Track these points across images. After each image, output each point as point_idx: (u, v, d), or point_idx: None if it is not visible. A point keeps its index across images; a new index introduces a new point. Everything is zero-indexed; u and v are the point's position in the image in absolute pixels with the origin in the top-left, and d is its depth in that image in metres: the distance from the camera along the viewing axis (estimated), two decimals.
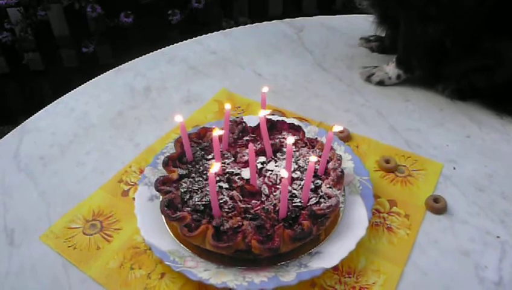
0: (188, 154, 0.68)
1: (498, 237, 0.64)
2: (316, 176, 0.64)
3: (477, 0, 0.82)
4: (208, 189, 0.62)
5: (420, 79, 0.96)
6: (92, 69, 2.61)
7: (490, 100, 0.91)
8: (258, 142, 0.70)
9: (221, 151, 0.68)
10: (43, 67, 2.60)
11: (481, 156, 0.79)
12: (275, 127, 0.73)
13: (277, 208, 0.59)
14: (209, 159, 0.68)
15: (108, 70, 2.76)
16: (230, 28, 2.39)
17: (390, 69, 0.94)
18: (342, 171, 0.63)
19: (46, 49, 2.54)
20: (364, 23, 1.08)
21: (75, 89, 1.01)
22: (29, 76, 2.59)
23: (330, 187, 0.62)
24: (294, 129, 0.73)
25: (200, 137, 0.72)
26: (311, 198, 0.61)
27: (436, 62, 0.90)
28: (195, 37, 2.36)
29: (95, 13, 2.28)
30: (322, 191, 0.62)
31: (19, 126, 0.91)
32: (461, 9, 0.83)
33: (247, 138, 0.71)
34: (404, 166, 0.75)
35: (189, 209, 0.60)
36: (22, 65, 2.51)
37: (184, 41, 1.17)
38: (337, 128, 0.66)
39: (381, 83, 0.95)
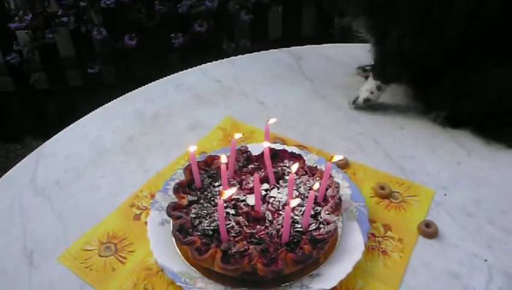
0: (196, 182, 0.73)
1: (485, 260, 0.69)
2: (315, 202, 0.69)
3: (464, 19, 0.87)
4: (216, 215, 0.67)
5: (414, 107, 1.02)
6: (96, 89, 2.68)
7: (479, 128, 0.96)
8: (262, 170, 0.76)
9: (227, 178, 0.73)
10: (49, 86, 2.66)
11: (470, 183, 0.84)
12: (277, 155, 0.78)
13: (280, 233, 0.64)
14: (217, 186, 0.73)
15: (112, 90, 2.83)
16: (231, 50, 2.47)
17: (368, 83, 1.00)
18: (340, 199, 0.68)
19: (52, 69, 2.60)
20: (361, 53, 1.14)
21: (87, 115, 1.07)
22: (34, 95, 2.65)
23: (329, 213, 0.67)
24: (295, 158, 0.78)
25: (208, 165, 0.77)
26: (311, 224, 0.66)
27: (422, 85, 0.95)
28: (197, 59, 2.43)
29: (100, 36, 2.34)
30: (321, 217, 0.67)
31: (35, 150, 0.96)
32: (450, 22, 0.88)
33: (252, 166, 0.77)
34: (398, 192, 0.81)
35: (199, 233, 0.65)
36: (28, 84, 2.57)
37: (189, 69, 1.23)
38: (336, 158, 0.72)
39: (367, 101, 1.01)
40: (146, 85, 1.16)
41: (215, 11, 2.30)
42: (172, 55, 2.56)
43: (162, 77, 2.27)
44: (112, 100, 2.41)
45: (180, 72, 1.21)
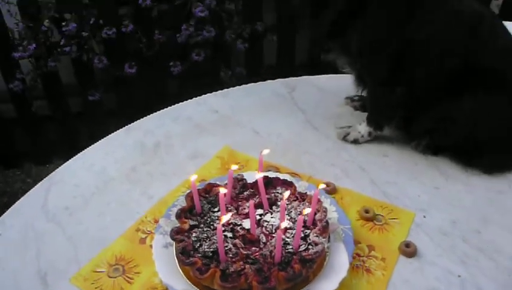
0: (197, 208, 0.80)
1: (459, 276, 0.77)
2: (305, 226, 0.76)
3: (436, 67, 0.97)
4: (215, 238, 0.74)
5: (397, 136, 1.10)
6: (96, 115, 2.76)
7: (457, 155, 1.04)
8: (257, 197, 0.83)
9: (225, 204, 0.80)
10: (50, 112, 2.73)
11: (447, 205, 0.92)
12: (270, 183, 0.86)
13: (273, 254, 0.71)
14: (216, 212, 0.80)
15: (112, 116, 2.90)
16: (227, 77, 2.56)
17: (362, 128, 1.09)
18: (327, 222, 0.76)
19: (53, 96, 2.68)
20: (349, 83, 1.22)
21: (91, 146, 1.14)
22: (36, 121, 2.72)
23: (317, 236, 0.74)
24: (287, 185, 0.86)
25: (207, 192, 0.85)
26: (301, 245, 0.73)
27: (403, 119, 1.04)
28: (195, 86, 2.53)
29: (101, 64, 2.44)
30: (310, 239, 0.74)
31: (45, 179, 1.03)
32: (421, 75, 0.98)
33: (247, 192, 0.84)
34: (382, 215, 0.88)
35: (199, 255, 0.71)
36: (29, 111, 2.64)
37: (188, 100, 1.30)
38: (323, 186, 0.80)
39: (355, 141, 1.09)
40: (147, 116, 1.23)
41: (213, 40, 2.40)
42: (171, 83, 2.65)
43: (161, 104, 2.37)
44: (112, 126, 2.51)
45: (179, 104, 1.29)
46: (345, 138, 1.10)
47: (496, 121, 0.98)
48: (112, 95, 2.69)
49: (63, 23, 2.35)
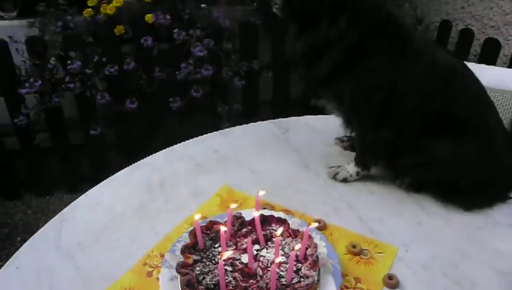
0: (200, 244, 0.89)
1: None
2: (297, 260, 0.85)
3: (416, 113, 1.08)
4: (216, 271, 0.82)
5: (383, 175, 1.20)
6: (97, 148, 2.84)
7: (437, 192, 1.14)
8: (254, 233, 0.92)
9: (225, 241, 0.88)
10: (52, 145, 2.82)
11: (428, 241, 1.01)
12: (266, 220, 0.94)
13: (268, 286, 0.80)
14: (217, 247, 0.89)
15: (112, 149, 2.98)
16: (224, 113, 2.67)
17: (351, 168, 1.18)
18: (317, 257, 0.84)
19: (55, 129, 2.77)
20: (340, 124, 1.33)
21: (101, 183, 1.22)
22: (38, 153, 2.80)
23: (308, 269, 0.82)
24: (281, 222, 0.94)
25: (208, 229, 0.93)
26: (293, 278, 0.82)
27: (387, 159, 1.14)
28: (193, 121, 2.63)
29: (103, 100, 2.54)
30: (302, 273, 0.82)
31: (56, 216, 1.11)
32: (404, 119, 1.08)
33: (245, 229, 0.93)
34: (368, 250, 0.97)
35: (203, 287, 0.79)
36: (32, 143, 2.72)
37: (191, 139, 1.40)
38: (315, 224, 0.89)
39: (345, 180, 1.18)
40: (152, 155, 1.32)
41: (210, 78, 2.52)
42: (170, 118, 2.76)
43: (160, 139, 2.46)
44: (112, 159, 2.61)
45: (182, 143, 1.38)
46: (334, 177, 1.19)
47: (470, 162, 1.08)
48: (113, 129, 2.79)
49: (68, 61, 2.47)
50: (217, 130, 2.68)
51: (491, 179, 1.11)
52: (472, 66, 1.59)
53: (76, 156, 2.87)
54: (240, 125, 2.33)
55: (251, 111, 2.81)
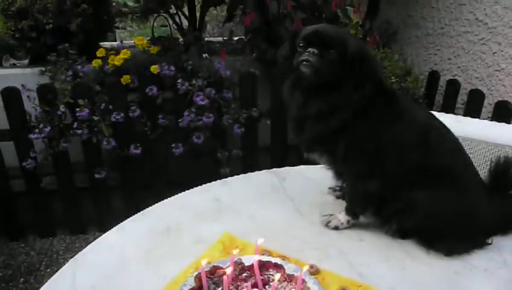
0: (204, 287, 0.98)
1: None
2: None
3: (399, 165, 1.19)
4: None
5: (372, 223, 1.30)
6: (101, 191, 2.94)
7: (421, 239, 1.24)
8: (253, 278, 1.01)
9: (227, 285, 0.98)
10: (57, 187, 2.91)
11: (412, 284, 1.10)
12: (264, 266, 1.04)
13: None
14: None
15: (115, 192, 3.08)
16: (225, 158, 2.78)
17: (342, 216, 1.29)
18: None
19: (61, 172, 2.87)
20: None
21: (111, 230, 1.32)
22: (43, 195, 2.89)
23: None
24: (278, 267, 1.04)
25: (212, 273, 1.03)
26: None
27: (375, 208, 1.25)
28: (194, 166, 2.74)
29: (109, 146, 2.66)
30: None
31: (71, 260, 1.20)
32: (389, 172, 1.20)
33: (245, 274, 1.03)
34: None
35: None
36: (38, 185, 2.82)
37: (194, 188, 1.51)
38: (307, 268, 0.99)
39: (336, 228, 1.29)
40: (158, 203, 1.43)
41: (211, 125, 2.65)
42: (172, 162, 2.87)
43: (163, 182, 2.57)
44: (115, 202, 2.73)
45: (185, 192, 1.48)
46: (327, 225, 1.30)
47: (447, 211, 1.19)
48: (117, 173, 2.89)
49: (77, 109, 2.60)
50: (217, 174, 2.80)
51: (468, 226, 1.21)
52: (457, 117, 1.74)
53: (80, 199, 2.96)
54: (239, 169, 2.46)
55: (250, 157, 2.94)
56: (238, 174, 1.64)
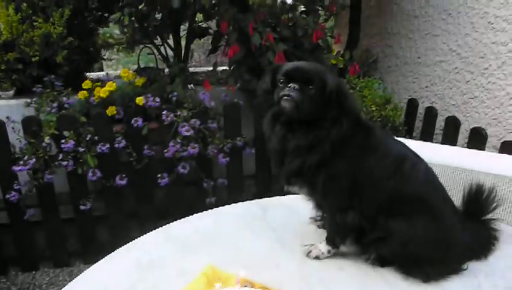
0: None
1: None
2: None
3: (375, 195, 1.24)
4: None
5: (351, 252, 1.34)
6: (86, 222, 2.92)
7: (399, 266, 1.28)
8: None
9: None
10: (41, 219, 2.89)
11: None
12: None
13: None
14: None
15: (101, 222, 3.06)
16: (210, 187, 2.81)
17: (322, 246, 1.33)
18: None
19: (46, 204, 2.85)
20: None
21: (96, 264, 1.33)
22: (26, 227, 2.86)
23: None
24: None
25: None
26: None
27: (354, 237, 1.29)
28: (179, 195, 2.76)
29: (95, 177, 2.67)
30: None
31: None
32: (366, 202, 1.25)
33: None
34: None
35: None
36: (21, 217, 2.79)
37: (178, 221, 1.53)
38: None
39: (317, 258, 1.32)
40: (143, 236, 1.45)
41: (197, 155, 2.69)
42: (157, 192, 2.89)
43: (147, 212, 2.58)
44: (100, 233, 2.73)
45: (170, 224, 1.51)
46: (308, 255, 1.33)
47: (423, 238, 1.23)
48: (102, 203, 2.89)
49: (62, 140, 2.62)
50: (203, 204, 2.82)
51: (444, 252, 1.25)
52: (433, 145, 1.81)
53: (65, 230, 2.94)
54: (225, 198, 2.49)
55: (235, 185, 2.97)
56: (223, 203, 1.67)
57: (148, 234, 1.46)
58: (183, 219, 1.54)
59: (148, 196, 2.89)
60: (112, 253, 1.37)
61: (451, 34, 2.96)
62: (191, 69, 3.66)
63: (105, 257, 1.35)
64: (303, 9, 3.30)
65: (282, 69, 1.24)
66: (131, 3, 2.62)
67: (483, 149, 2.46)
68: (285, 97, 1.19)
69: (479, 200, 1.36)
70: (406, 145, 1.34)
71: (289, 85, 1.19)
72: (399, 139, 1.38)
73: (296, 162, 1.25)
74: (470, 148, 2.33)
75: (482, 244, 1.36)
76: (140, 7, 2.90)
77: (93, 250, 2.87)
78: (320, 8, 3.26)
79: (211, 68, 3.11)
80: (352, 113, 1.23)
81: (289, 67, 1.24)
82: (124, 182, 2.72)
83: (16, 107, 2.94)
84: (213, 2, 2.70)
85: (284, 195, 1.64)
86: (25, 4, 3.14)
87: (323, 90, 1.19)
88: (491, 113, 2.73)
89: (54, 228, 2.90)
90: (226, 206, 1.63)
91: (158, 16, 3.05)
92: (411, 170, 1.27)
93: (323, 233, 1.40)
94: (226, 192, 2.99)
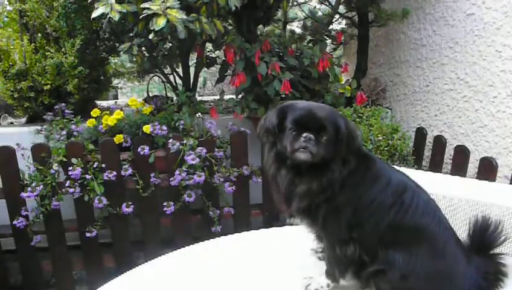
0: None
1: None
2: None
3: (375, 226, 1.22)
4: None
5: (351, 285, 1.30)
6: (92, 248, 2.91)
7: None
8: None
9: None
10: (47, 245, 2.89)
11: None
12: None
13: None
14: None
15: (106, 251, 3.03)
16: (216, 216, 2.79)
17: (322, 279, 1.30)
18: None
19: (52, 231, 2.85)
20: None
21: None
22: (32, 253, 2.86)
23: None
24: None
25: None
26: None
27: (354, 270, 1.26)
28: (185, 223, 2.74)
29: (101, 204, 2.68)
30: None
31: None
32: (365, 235, 1.22)
33: None
34: None
35: None
36: (28, 243, 2.79)
37: (181, 249, 1.51)
38: None
39: None
40: (139, 266, 1.43)
41: (203, 183, 2.68)
42: (163, 220, 2.87)
43: (153, 240, 2.54)
44: (106, 260, 2.67)
45: (176, 252, 1.49)
46: (307, 288, 1.30)
47: (423, 272, 1.19)
48: (108, 230, 2.88)
49: (70, 168, 2.64)
50: (209, 232, 2.79)
51: (446, 287, 1.21)
52: (440, 176, 1.79)
53: (70, 257, 2.93)
54: (231, 227, 2.46)
55: (242, 214, 2.94)
56: (229, 231, 1.66)
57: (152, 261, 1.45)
58: (181, 249, 1.53)
59: (154, 223, 2.88)
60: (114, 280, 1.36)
61: (459, 63, 2.96)
62: (201, 98, 3.69)
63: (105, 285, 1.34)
64: (310, 38, 3.34)
65: (292, 114, 1.17)
66: (141, 34, 2.67)
67: (494, 179, 2.42)
68: (301, 149, 1.14)
69: (484, 233, 1.32)
70: (406, 175, 1.32)
71: (304, 135, 1.14)
72: (406, 169, 1.36)
73: (304, 202, 1.22)
74: (480, 178, 2.29)
75: (489, 280, 1.31)
76: (150, 37, 2.95)
77: (98, 277, 2.84)
78: (327, 38, 3.29)
79: (217, 98, 3.13)
80: (358, 150, 1.22)
81: (300, 114, 1.17)
82: (130, 209, 2.71)
83: (27, 134, 2.99)
84: (222, 32, 2.73)
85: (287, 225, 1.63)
86: (39, 34, 3.23)
87: (337, 136, 1.16)
88: (502, 142, 2.69)
89: (59, 255, 2.89)
90: (229, 236, 1.61)
91: (167, 45, 3.11)
92: (411, 200, 1.24)
93: (323, 265, 1.37)
94: (232, 221, 2.97)
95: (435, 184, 1.33)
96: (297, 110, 1.18)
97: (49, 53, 3.09)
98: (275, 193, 1.31)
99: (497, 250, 1.34)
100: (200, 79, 3.68)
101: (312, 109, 1.18)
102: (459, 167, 2.69)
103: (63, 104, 3.07)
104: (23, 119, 3.51)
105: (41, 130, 2.97)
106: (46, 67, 3.08)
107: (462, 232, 1.34)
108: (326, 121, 1.15)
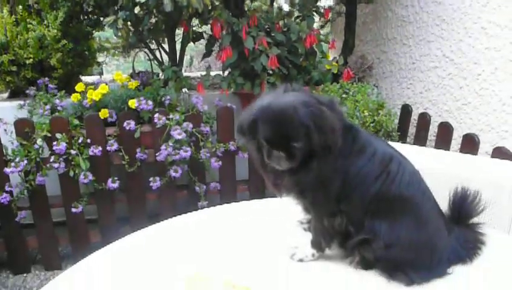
0: None
1: None
2: None
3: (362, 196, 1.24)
4: None
5: (336, 254, 1.33)
6: (78, 224, 2.91)
7: (383, 269, 1.27)
8: None
9: None
10: (33, 221, 2.88)
11: None
12: None
13: None
14: None
15: (92, 227, 3.05)
16: (202, 191, 2.80)
17: (307, 249, 1.32)
18: None
19: (37, 207, 2.84)
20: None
21: (77, 264, 1.32)
22: (17, 229, 2.85)
23: None
24: None
25: None
26: None
27: (339, 241, 1.28)
28: (171, 199, 2.74)
29: (87, 180, 2.66)
30: None
31: None
32: (352, 205, 1.24)
33: None
34: None
35: None
36: (12, 220, 2.77)
37: (170, 219, 1.52)
38: None
39: (301, 260, 1.31)
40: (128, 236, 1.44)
41: (189, 159, 2.68)
42: (150, 196, 2.88)
43: (139, 215, 2.53)
44: (92, 235, 2.67)
45: (160, 223, 1.50)
46: (292, 257, 1.32)
47: (407, 241, 1.22)
48: (94, 206, 2.88)
49: (54, 143, 2.61)
50: (195, 207, 2.81)
51: (428, 256, 1.25)
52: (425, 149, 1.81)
53: (56, 233, 2.93)
54: (217, 202, 2.47)
55: (228, 189, 2.96)
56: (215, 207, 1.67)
57: (135, 234, 1.46)
58: (175, 217, 1.53)
59: (140, 199, 2.88)
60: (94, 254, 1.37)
61: (445, 40, 2.97)
62: (186, 74, 3.66)
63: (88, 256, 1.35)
64: (298, 15, 3.31)
65: (262, 131, 1.13)
66: (126, 6, 2.62)
67: (475, 155, 2.46)
68: (274, 164, 1.16)
69: (463, 204, 1.35)
70: (391, 145, 1.34)
71: (273, 153, 1.14)
72: (391, 143, 1.38)
73: (293, 191, 1.25)
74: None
75: (468, 248, 1.34)
76: (135, 11, 2.90)
77: (84, 253, 2.84)
78: (315, 14, 3.27)
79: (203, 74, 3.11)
80: (343, 125, 1.21)
81: (269, 133, 1.13)
82: (116, 185, 2.71)
83: (9, 109, 2.94)
84: (209, 7, 2.70)
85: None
86: (20, 6, 3.15)
87: (310, 141, 1.12)
88: (484, 119, 2.73)
89: (45, 231, 2.89)
90: (213, 207, 1.62)
91: (153, 20, 3.06)
92: (397, 170, 1.26)
93: (309, 236, 1.39)
94: (218, 196, 2.98)
95: (420, 156, 1.35)
96: (265, 124, 1.13)
97: (30, 26, 3.03)
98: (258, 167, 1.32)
99: (475, 220, 1.38)
100: (187, 57, 3.63)
101: (281, 122, 1.13)
102: (443, 144, 2.73)
103: (47, 78, 3.02)
104: (5, 94, 3.45)
105: (24, 105, 2.93)
106: (28, 40, 3.02)
107: (443, 204, 1.37)
108: (296, 133, 1.11)
